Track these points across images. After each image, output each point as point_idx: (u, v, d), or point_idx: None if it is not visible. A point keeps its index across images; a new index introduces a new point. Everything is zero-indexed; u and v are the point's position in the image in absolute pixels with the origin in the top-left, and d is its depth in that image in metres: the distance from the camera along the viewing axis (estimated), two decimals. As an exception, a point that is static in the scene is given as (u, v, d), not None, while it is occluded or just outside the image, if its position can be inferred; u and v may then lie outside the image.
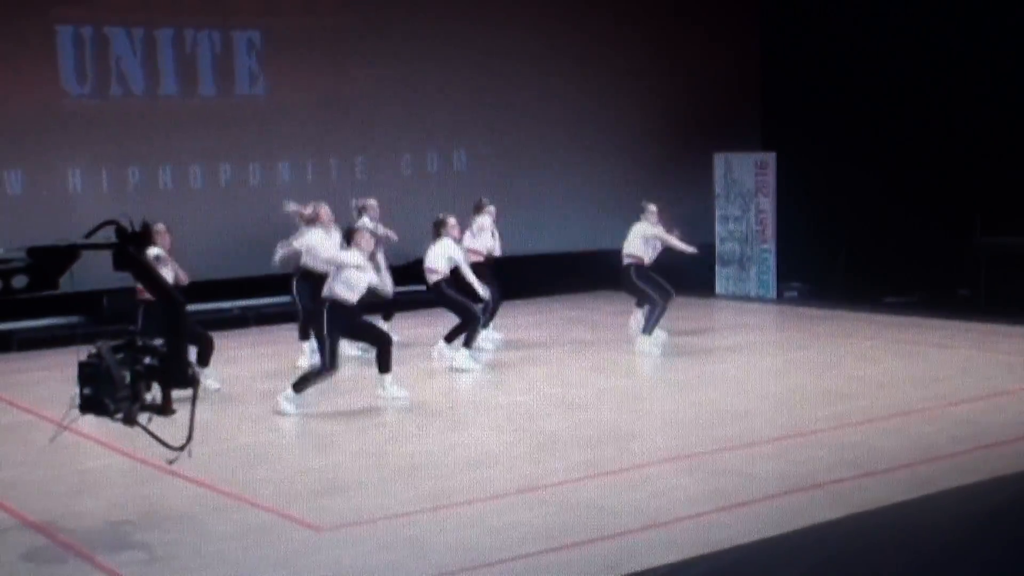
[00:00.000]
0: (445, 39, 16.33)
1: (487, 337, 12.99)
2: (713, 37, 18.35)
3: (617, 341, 12.64)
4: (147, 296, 9.35)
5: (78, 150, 14.13)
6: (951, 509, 6.88)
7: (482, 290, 11.68)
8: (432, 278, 11.88)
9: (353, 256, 9.86)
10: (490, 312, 12.96)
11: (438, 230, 11.89)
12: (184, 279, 10.38)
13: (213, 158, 15.00)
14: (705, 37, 18.30)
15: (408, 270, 13.30)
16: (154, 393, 6.50)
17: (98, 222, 6.53)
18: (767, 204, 16.20)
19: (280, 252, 11.74)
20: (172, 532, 6.70)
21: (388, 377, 10.15)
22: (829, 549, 6.24)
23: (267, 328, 12.31)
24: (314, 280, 11.01)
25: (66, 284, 6.48)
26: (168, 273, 9.89)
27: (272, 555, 6.31)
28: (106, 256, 6.46)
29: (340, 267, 9.85)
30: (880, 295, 15.46)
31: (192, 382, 6.52)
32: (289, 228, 12.00)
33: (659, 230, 12.48)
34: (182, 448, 6.51)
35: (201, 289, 13.89)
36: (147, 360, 6.40)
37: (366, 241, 10.00)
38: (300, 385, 9.80)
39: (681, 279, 12.62)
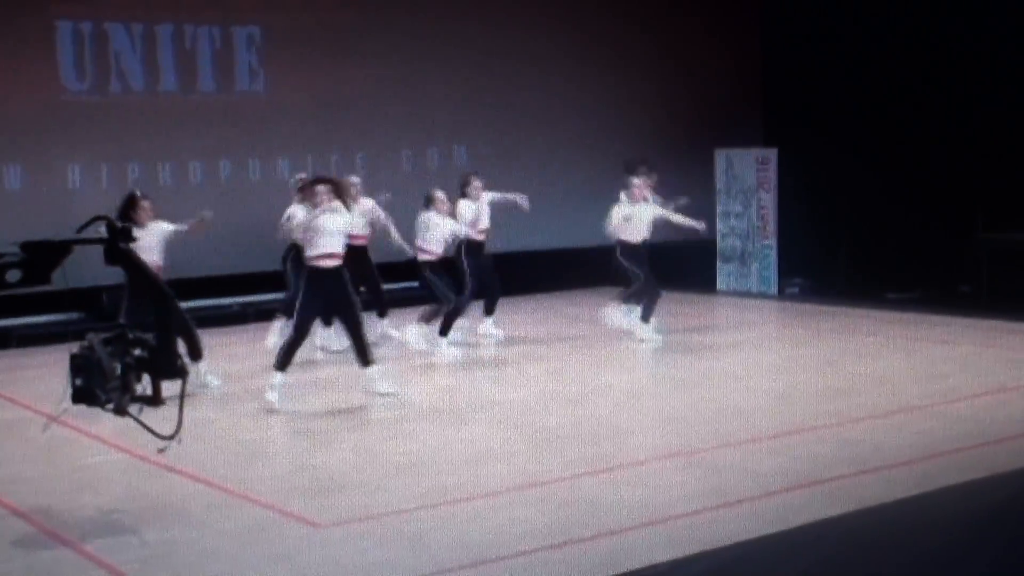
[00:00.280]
0: (446, 36, 16.32)
1: (486, 332, 12.99)
2: (714, 33, 18.32)
3: (617, 337, 12.62)
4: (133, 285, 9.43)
5: (77, 146, 14.12)
6: (952, 506, 6.85)
7: (469, 284, 12.03)
8: (422, 257, 11.99)
9: (300, 211, 10.06)
10: (490, 307, 12.97)
11: (428, 205, 12.03)
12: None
13: (213, 154, 14.99)
14: (706, 33, 18.26)
15: (406, 267, 13.26)
16: (145, 384, 6.59)
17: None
18: (768, 200, 16.17)
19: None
20: (171, 528, 6.69)
21: (374, 370, 10.03)
22: (829, 546, 6.22)
23: (267, 324, 12.31)
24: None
25: (59, 280, 6.51)
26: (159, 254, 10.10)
27: (271, 551, 6.30)
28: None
29: (304, 230, 9.88)
30: (881, 291, 15.43)
31: (181, 373, 6.64)
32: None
33: (661, 210, 12.53)
34: (171, 437, 6.59)
35: (201, 285, 13.99)
36: (137, 352, 6.51)
37: (315, 195, 9.92)
38: (282, 362, 9.74)
39: (683, 275, 12.60)
